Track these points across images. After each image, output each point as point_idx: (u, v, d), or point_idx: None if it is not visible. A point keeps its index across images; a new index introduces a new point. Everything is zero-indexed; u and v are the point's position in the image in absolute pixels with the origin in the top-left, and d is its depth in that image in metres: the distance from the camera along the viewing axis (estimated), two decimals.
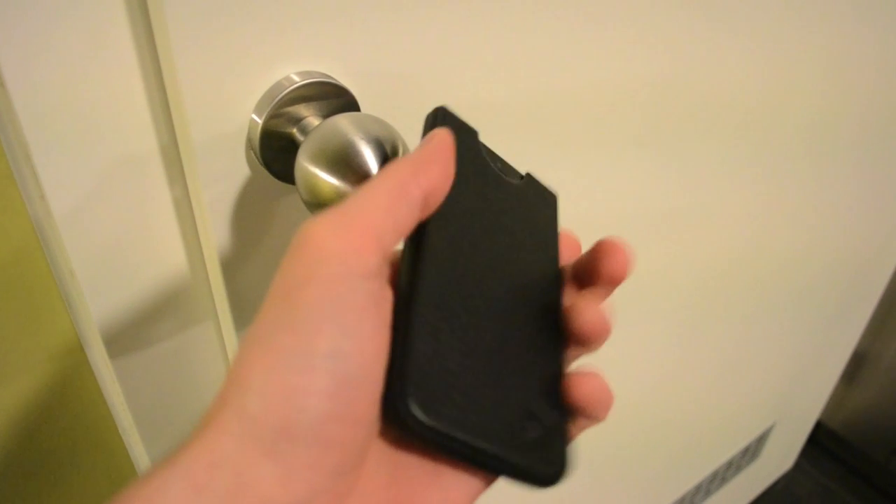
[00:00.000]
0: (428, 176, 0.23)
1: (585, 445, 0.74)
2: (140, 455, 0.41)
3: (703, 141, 0.56)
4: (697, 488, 1.08)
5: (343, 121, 0.28)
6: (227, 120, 0.30)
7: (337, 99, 0.32)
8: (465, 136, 0.28)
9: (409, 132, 0.35)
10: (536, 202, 0.31)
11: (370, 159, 0.28)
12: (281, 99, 0.30)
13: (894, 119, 0.78)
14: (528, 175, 0.31)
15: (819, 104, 0.65)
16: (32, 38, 0.26)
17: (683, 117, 0.52)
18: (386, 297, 0.22)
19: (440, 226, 0.25)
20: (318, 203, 0.29)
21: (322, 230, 0.21)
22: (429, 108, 0.36)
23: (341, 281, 0.20)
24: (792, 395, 1.14)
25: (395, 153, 0.29)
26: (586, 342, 0.26)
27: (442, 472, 0.23)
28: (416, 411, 0.21)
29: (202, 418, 0.20)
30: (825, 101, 0.65)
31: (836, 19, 0.59)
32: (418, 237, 0.25)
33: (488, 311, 0.25)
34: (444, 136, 0.25)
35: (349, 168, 0.28)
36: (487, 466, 0.23)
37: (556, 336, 0.27)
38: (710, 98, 0.53)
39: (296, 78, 0.30)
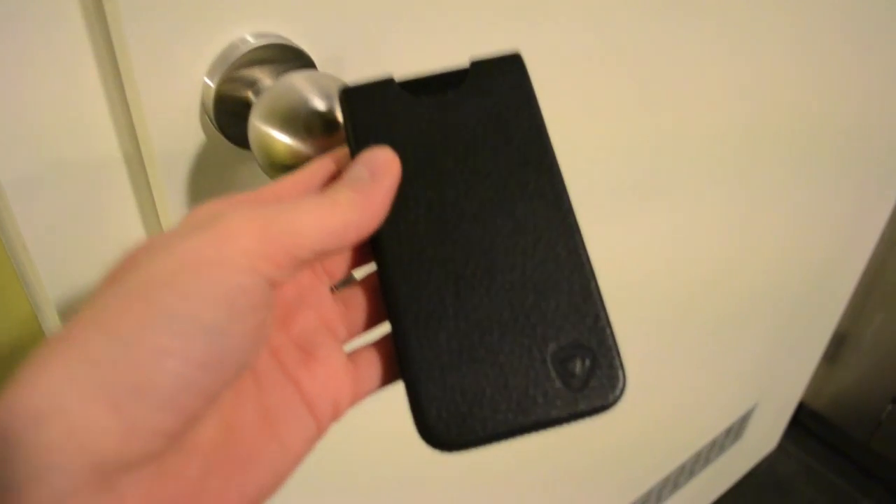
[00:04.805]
0: (372, 224, 0.24)
1: (568, 426, 0.74)
2: None
3: (687, 131, 0.56)
4: (681, 469, 1.08)
5: (296, 78, 0.28)
6: (179, 84, 0.29)
7: (293, 62, 0.31)
8: (383, 93, 0.27)
9: None
10: (496, 87, 0.27)
11: (325, 117, 0.27)
12: (235, 62, 0.29)
13: (869, 109, 0.78)
14: (474, 62, 0.27)
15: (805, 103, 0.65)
16: None
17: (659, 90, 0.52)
18: (281, 298, 0.24)
19: (395, 221, 0.25)
20: (273, 165, 0.28)
21: (246, 229, 0.21)
22: (389, 71, 0.35)
23: (246, 275, 0.20)
24: (773, 375, 1.14)
25: None
26: None
27: (277, 423, 0.23)
28: (446, 440, 0.23)
29: (31, 357, 0.18)
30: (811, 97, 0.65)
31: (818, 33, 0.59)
32: (376, 241, 0.25)
33: (482, 270, 0.25)
34: (392, 170, 0.25)
35: (303, 126, 0.27)
36: (548, 428, 0.24)
37: (570, 234, 0.25)
38: (692, 100, 0.53)
39: (250, 39, 0.30)
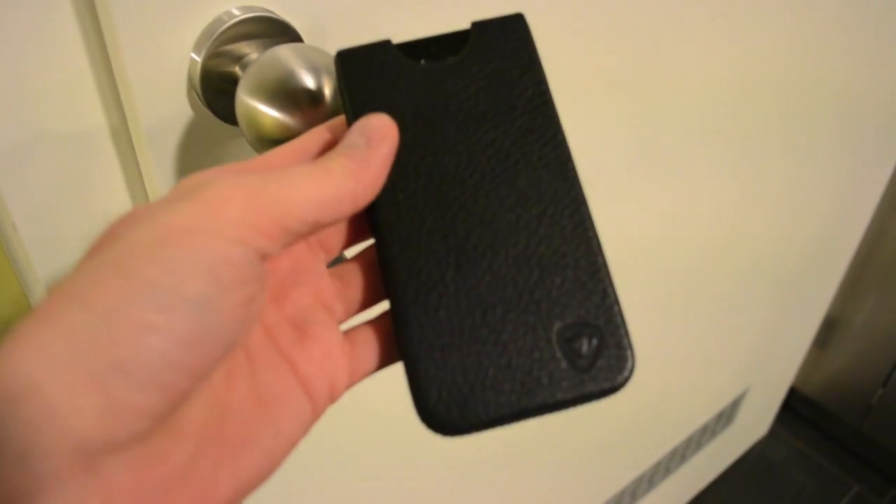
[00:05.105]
0: (368, 194, 0.23)
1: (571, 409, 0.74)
2: None
3: (679, 113, 0.56)
4: (672, 454, 1.09)
5: (283, 51, 0.27)
6: (165, 58, 0.29)
7: (281, 36, 0.31)
8: (381, 56, 0.25)
9: None
10: (499, 50, 0.26)
11: (312, 89, 0.27)
12: (220, 36, 0.29)
13: (860, 88, 0.78)
14: (475, 24, 0.26)
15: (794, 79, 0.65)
16: None
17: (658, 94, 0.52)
18: (274, 274, 0.24)
19: (393, 192, 0.24)
20: (260, 139, 0.28)
21: (233, 198, 0.20)
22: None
23: (233, 245, 0.19)
24: (765, 360, 1.15)
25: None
26: None
27: (271, 405, 0.22)
28: (448, 424, 0.22)
29: (6, 336, 0.18)
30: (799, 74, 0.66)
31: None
32: (373, 214, 0.24)
33: (484, 244, 0.24)
34: (389, 137, 0.24)
35: (290, 100, 0.27)
36: (553, 411, 0.23)
37: (576, 206, 0.24)
38: (684, 81, 0.53)
39: (236, 12, 0.29)
